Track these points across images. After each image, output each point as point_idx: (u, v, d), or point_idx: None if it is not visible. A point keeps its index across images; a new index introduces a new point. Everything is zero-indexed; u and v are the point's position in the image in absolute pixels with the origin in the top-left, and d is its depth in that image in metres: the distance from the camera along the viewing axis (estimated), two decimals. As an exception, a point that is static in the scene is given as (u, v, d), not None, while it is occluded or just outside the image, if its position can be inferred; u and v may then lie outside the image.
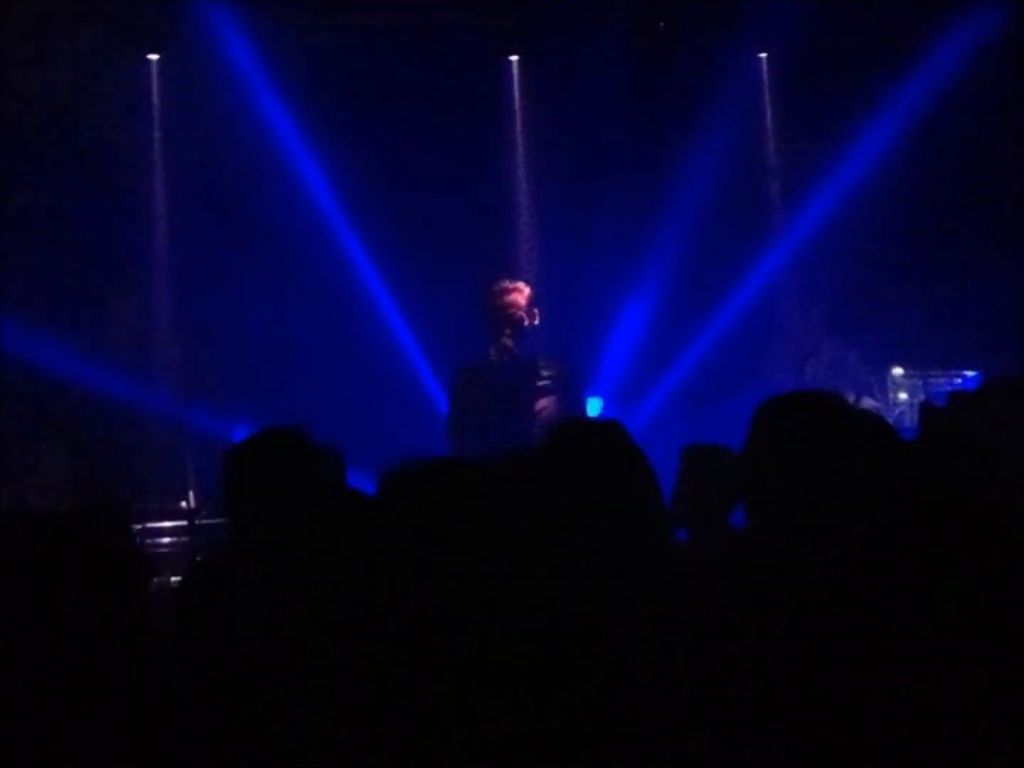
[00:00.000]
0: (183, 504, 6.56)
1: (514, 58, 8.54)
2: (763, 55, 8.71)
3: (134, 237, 8.15)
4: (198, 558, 6.11)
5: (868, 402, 7.70)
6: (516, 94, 8.57)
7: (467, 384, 6.59)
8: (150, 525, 6.52)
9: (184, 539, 6.52)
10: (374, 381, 8.19)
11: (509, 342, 6.47)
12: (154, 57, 8.09)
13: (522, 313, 6.50)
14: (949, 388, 7.13)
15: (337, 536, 2.67)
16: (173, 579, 4.89)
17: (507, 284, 6.61)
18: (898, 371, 7.82)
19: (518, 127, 8.59)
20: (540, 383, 6.51)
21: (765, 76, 8.75)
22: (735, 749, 2.33)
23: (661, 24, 8.41)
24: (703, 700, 2.36)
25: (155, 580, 3.17)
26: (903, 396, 7.77)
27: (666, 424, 7.78)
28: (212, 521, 6.36)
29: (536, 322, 6.55)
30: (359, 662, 2.32)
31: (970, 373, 7.56)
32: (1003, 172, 8.44)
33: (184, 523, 6.54)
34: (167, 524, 6.59)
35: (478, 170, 8.57)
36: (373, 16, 8.28)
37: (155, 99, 8.10)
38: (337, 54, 8.20)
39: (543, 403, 6.48)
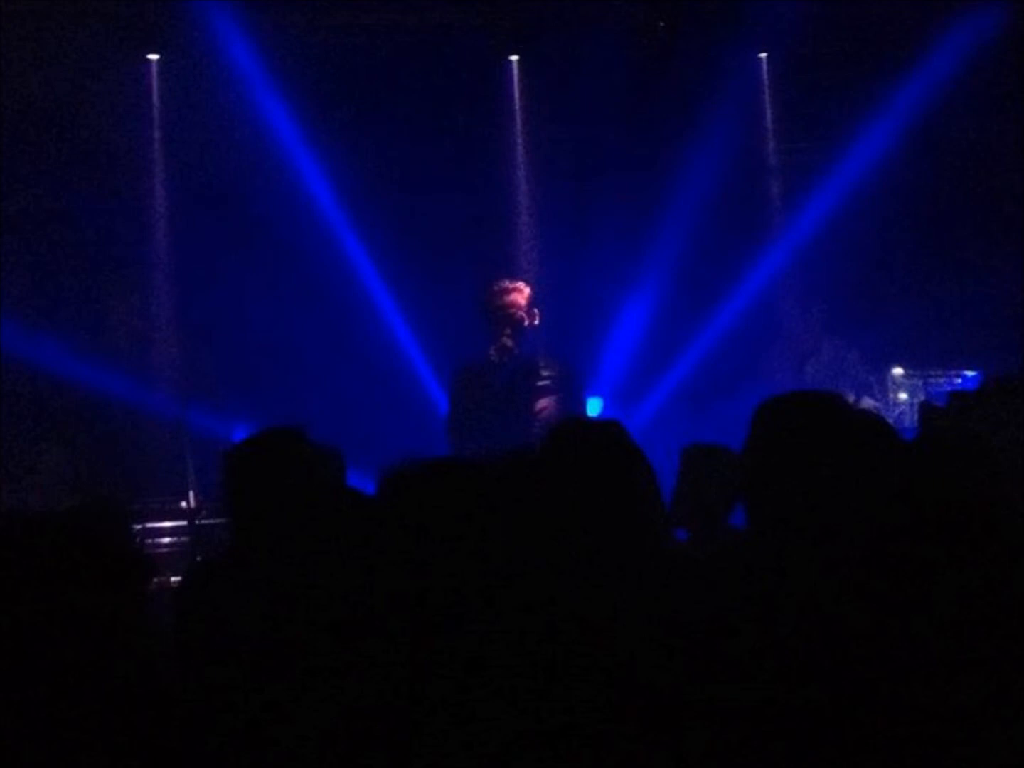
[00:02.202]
0: (183, 504, 6.54)
1: (514, 58, 8.53)
2: (763, 55, 8.70)
3: (134, 237, 8.14)
4: (198, 558, 6.10)
5: (868, 402, 7.69)
6: (516, 94, 8.56)
7: (467, 384, 6.59)
8: (150, 525, 6.50)
9: (184, 539, 6.51)
10: (374, 381, 8.18)
11: (509, 342, 6.47)
12: (154, 57, 8.08)
13: (522, 313, 6.50)
14: (949, 388, 7.12)
15: (337, 536, 2.67)
16: (173, 579, 4.89)
17: (507, 284, 6.61)
18: (898, 371, 7.82)
19: (518, 127, 8.58)
20: (540, 383, 6.52)
21: (765, 76, 8.74)
22: (735, 749, 2.33)
23: (661, 24, 8.40)
24: (703, 700, 2.36)
25: (155, 580, 3.16)
26: (903, 396, 7.76)
27: (666, 424, 7.77)
28: (212, 521, 6.35)
29: (536, 322, 6.56)
30: (359, 662, 2.32)
31: (970, 373, 7.56)
32: (1003, 172, 8.43)
33: (184, 523, 6.53)
34: (167, 524, 6.58)
35: (478, 170, 8.56)
36: (373, 16, 8.27)
37: (155, 99, 8.09)
38: (337, 54, 8.19)
39: (543, 403, 6.48)
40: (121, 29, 7.85)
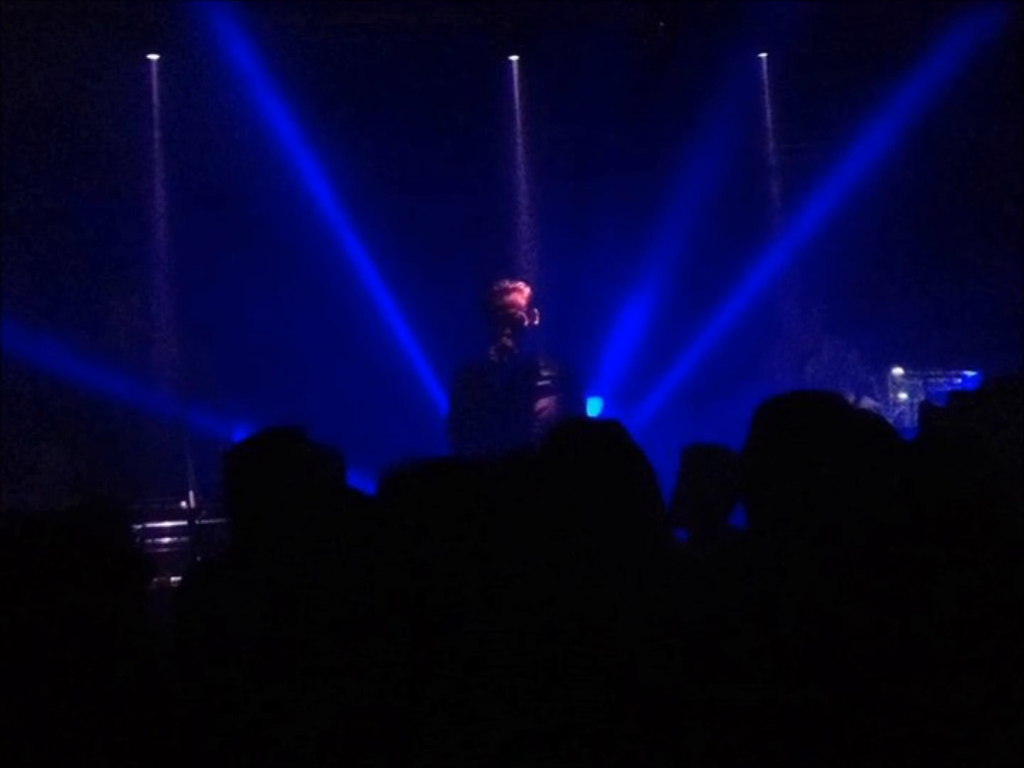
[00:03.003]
0: (183, 504, 6.54)
1: (514, 58, 8.53)
2: (763, 55, 8.70)
3: (134, 237, 8.14)
4: (198, 558, 6.10)
5: (868, 402, 7.69)
6: (516, 94, 8.56)
7: (467, 384, 6.59)
8: (150, 525, 6.51)
9: (184, 539, 6.51)
10: (374, 381, 8.18)
11: (509, 342, 6.48)
12: (154, 57, 8.08)
13: (522, 313, 6.51)
14: (949, 388, 7.12)
15: (337, 536, 2.67)
16: (173, 579, 4.89)
17: (507, 284, 6.62)
18: (898, 371, 7.82)
19: (518, 127, 8.58)
20: (540, 383, 6.52)
21: (765, 76, 8.75)
22: (735, 749, 2.33)
23: (661, 24, 8.40)
24: (703, 700, 2.36)
25: (155, 580, 3.17)
26: (903, 396, 7.76)
27: (666, 424, 7.77)
28: (212, 521, 6.35)
29: (536, 322, 6.56)
30: (359, 662, 2.32)
31: (970, 373, 7.56)
32: (1003, 172, 8.43)
33: (184, 523, 6.53)
34: (167, 524, 6.59)
35: (478, 170, 8.56)
36: (373, 16, 8.27)
37: (155, 99, 8.09)
38: (337, 54, 8.19)
39: (543, 403, 6.48)
40: (121, 29, 7.85)
